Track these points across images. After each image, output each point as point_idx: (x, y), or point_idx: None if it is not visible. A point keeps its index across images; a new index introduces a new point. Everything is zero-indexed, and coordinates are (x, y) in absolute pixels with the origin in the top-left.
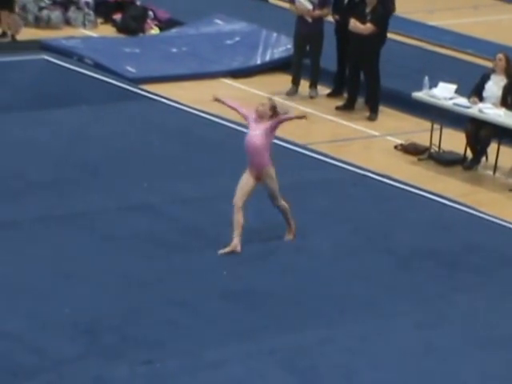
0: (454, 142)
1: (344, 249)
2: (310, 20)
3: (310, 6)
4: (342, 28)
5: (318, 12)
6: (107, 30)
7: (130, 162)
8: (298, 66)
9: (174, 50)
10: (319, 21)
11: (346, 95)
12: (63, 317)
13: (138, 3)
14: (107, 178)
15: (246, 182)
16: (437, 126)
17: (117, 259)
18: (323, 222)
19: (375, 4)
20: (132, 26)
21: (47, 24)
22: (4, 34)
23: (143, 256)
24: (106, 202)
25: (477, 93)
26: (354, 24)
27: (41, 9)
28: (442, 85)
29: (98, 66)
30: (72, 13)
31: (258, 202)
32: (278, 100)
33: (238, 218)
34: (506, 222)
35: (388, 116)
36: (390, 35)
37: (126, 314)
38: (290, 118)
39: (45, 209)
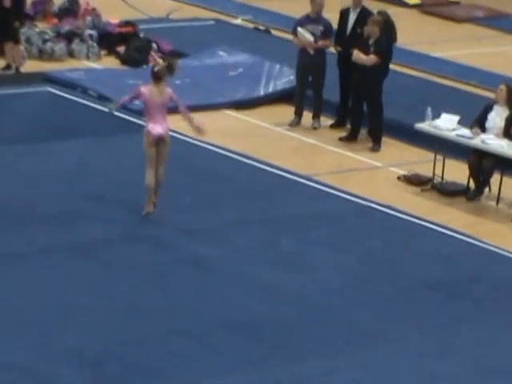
0: (457, 172)
1: (348, 279)
2: (311, 52)
3: (311, 38)
4: (344, 59)
5: (319, 43)
6: (111, 62)
7: (133, 193)
8: (301, 97)
9: (178, 81)
10: (321, 52)
11: (349, 126)
12: (68, 347)
13: (142, 35)
14: (111, 209)
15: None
16: (440, 157)
17: (120, 289)
18: (327, 252)
19: (378, 35)
20: (135, 58)
21: (51, 56)
22: (8, 67)
23: (147, 286)
24: (111, 232)
25: (479, 124)
26: (358, 55)
27: (45, 41)
28: (444, 116)
29: (102, 98)
30: (76, 45)
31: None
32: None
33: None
34: (509, 252)
35: (391, 147)
36: (393, 66)
37: (130, 343)
38: (190, 122)
39: (50, 240)
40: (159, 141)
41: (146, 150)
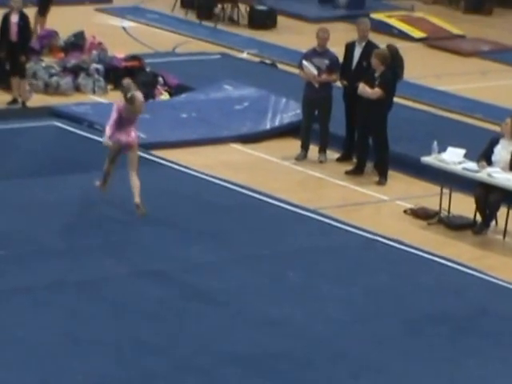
0: (464, 206)
1: (354, 312)
2: (316, 85)
3: (315, 72)
4: (350, 93)
5: (324, 77)
6: (117, 96)
7: (140, 228)
8: (307, 130)
9: (184, 115)
10: (327, 86)
11: (355, 160)
12: (74, 382)
13: (148, 69)
14: (118, 243)
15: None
16: (446, 191)
17: (129, 324)
18: (334, 285)
19: (383, 69)
20: (142, 92)
21: (56, 90)
22: (15, 101)
23: (155, 321)
24: (118, 267)
25: (485, 157)
26: (363, 88)
27: (51, 75)
28: (450, 149)
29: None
30: (82, 79)
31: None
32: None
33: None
34: None
35: (397, 180)
36: (398, 100)
37: (140, 379)
38: None
39: (57, 274)
40: (126, 147)
41: (109, 153)
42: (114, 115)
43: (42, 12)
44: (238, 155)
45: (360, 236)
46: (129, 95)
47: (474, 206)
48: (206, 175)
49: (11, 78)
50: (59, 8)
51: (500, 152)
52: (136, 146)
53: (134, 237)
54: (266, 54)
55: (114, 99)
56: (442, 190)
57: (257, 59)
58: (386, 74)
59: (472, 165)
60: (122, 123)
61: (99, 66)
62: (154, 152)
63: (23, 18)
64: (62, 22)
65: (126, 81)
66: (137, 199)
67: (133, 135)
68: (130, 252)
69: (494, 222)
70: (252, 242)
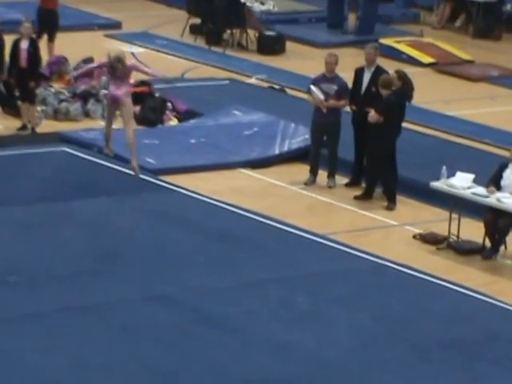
0: (473, 231)
1: (363, 338)
2: (324, 110)
3: (321, 97)
4: (359, 118)
5: (331, 102)
6: None
7: (149, 253)
8: (316, 155)
9: (193, 140)
10: (336, 111)
11: (363, 185)
12: None
13: (157, 95)
14: (127, 269)
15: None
16: (455, 216)
17: (138, 350)
18: (343, 311)
19: (387, 94)
20: (151, 118)
21: (66, 116)
22: (24, 127)
23: (164, 347)
24: (127, 292)
25: (494, 182)
26: (372, 113)
27: (60, 101)
28: (459, 174)
29: (118, 158)
30: (91, 105)
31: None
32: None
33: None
34: None
35: (406, 205)
36: (407, 125)
37: None
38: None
39: (66, 300)
40: (117, 102)
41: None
42: (93, 65)
43: (52, 38)
44: (247, 180)
45: (369, 261)
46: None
47: (483, 230)
48: (215, 200)
49: (21, 103)
50: (69, 34)
51: (509, 177)
52: (126, 101)
53: (142, 262)
54: (275, 79)
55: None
56: (450, 214)
57: (266, 84)
58: (389, 99)
59: (481, 190)
60: (112, 79)
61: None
62: (163, 177)
63: (33, 44)
64: (71, 47)
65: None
66: (133, 163)
67: (122, 90)
68: (140, 277)
69: (503, 247)
70: (261, 267)
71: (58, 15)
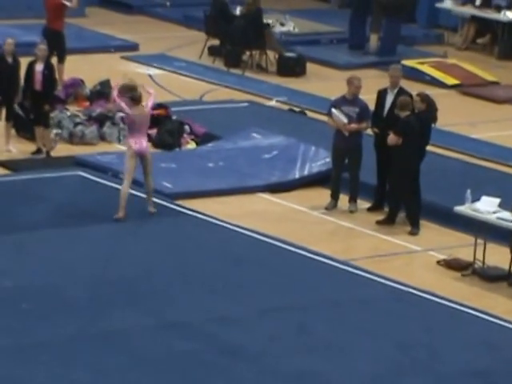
0: (499, 256)
1: (386, 367)
2: (346, 134)
3: (345, 120)
4: (381, 141)
5: (353, 126)
6: None
7: (166, 279)
8: (337, 180)
9: (211, 164)
10: (357, 134)
11: (386, 209)
12: None
13: (174, 117)
14: (143, 296)
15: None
16: (480, 241)
17: (154, 380)
18: (364, 339)
19: (406, 115)
20: (168, 141)
21: (81, 139)
22: (39, 151)
23: (180, 376)
24: (142, 320)
25: None
26: (391, 136)
27: (76, 125)
28: (484, 198)
29: (134, 182)
30: (107, 128)
31: None
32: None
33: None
34: None
35: (430, 230)
36: (431, 148)
37: None
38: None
39: (80, 327)
40: (138, 155)
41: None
42: (124, 106)
43: (61, 60)
44: (266, 205)
45: (391, 288)
46: (134, 94)
47: (509, 256)
48: (233, 225)
49: (35, 127)
50: (85, 56)
51: None
52: (148, 154)
53: (159, 288)
54: (295, 101)
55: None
56: (476, 240)
57: (285, 107)
58: (406, 120)
59: (507, 214)
60: (133, 129)
61: (124, 115)
62: (180, 202)
63: (48, 67)
64: (87, 70)
65: (129, 79)
66: (151, 209)
67: (144, 145)
68: (156, 303)
69: None
70: (280, 293)
71: (63, 37)
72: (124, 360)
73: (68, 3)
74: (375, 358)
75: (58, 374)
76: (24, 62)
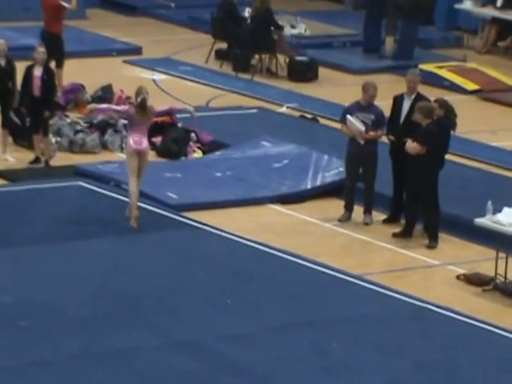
0: None
1: None
2: (362, 142)
3: (362, 128)
4: (397, 149)
5: (371, 134)
6: None
7: (171, 295)
8: (351, 190)
9: (219, 174)
10: (373, 142)
11: (403, 221)
12: None
13: (180, 125)
14: (147, 312)
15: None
16: (502, 255)
17: None
18: (379, 357)
19: (427, 123)
20: (173, 150)
21: (81, 148)
22: (37, 160)
23: None
24: (146, 338)
25: None
26: (409, 144)
27: (76, 132)
28: (506, 210)
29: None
30: (109, 136)
31: None
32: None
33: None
34: None
35: (449, 243)
36: (450, 157)
37: None
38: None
39: (80, 346)
40: (141, 154)
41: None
42: (118, 107)
43: (60, 64)
44: (277, 217)
45: (409, 304)
46: (139, 98)
47: None
48: (242, 239)
49: (33, 135)
50: (85, 60)
51: None
52: (147, 155)
53: (163, 304)
54: (307, 107)
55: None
56: (497, 253)
57: (297, 113)
58: (430, 128)
59: None
60: (133, 129)
61: (126, 122)
62: (186, 214)
63: (47, 72)
64: (88, 74)
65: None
66: (135, 212)
67: (143, 144)
68: (160, 321)
69: None
70: (291, 310)
71: (61, 41)
72: (128, 381)
73: (66, 4)
74: (390, 377)
75: None
76: (21, 66)
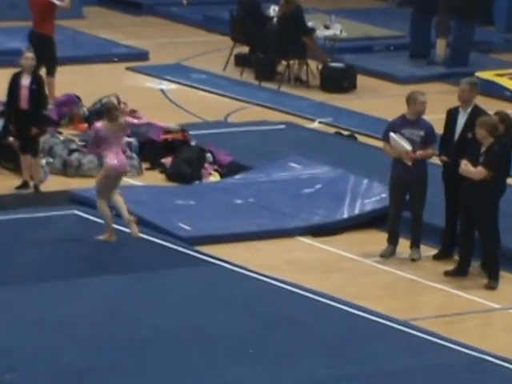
0: None
1: None
2: (409, 163)
3: (408, 147)
4: (451, 172)
5: (419, 153)
6: (154, 178)
7: (183, 343)
8: (396, 220)
9: (239, 201)
10: (422, 163)
11: (456, 257)
12: None
13: (193, 143)
14: (155, 362)
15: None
16: None
17: None
18: None
19: (491, 142)
20: (185, 172)
21: (77, 170)
22: (25, 185)
23: None
24: None
25: None
26: (466, 167)
27: (71, 152)
28: None
29: (144, 223)
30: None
31: None
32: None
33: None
34: None
35: (511, 283)
36: None
37: None
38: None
39: None
40: (121, 173)
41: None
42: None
43: (51, 72)
44: (308, 252)
45: (465, 355)
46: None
47: None
48: (267, 277)
49: (21, 155)
50: (82, 67)
51: None
52: (125, 172)
53: (173, 353)
54: (343, 123)
55: (150, 181)
56: None
57: (331, 130)
58: (494, 149)
59: None
60: (111, 146)
61: (132, 140)
62: (201, 248)
63: (36, 81)
64: (85, 84)
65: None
66: (127, 216)
67: (124, 161)
68: (170, 372)
69: None
70: (327, 362)
71: (53, 43)
72: None
73: (58, 2)
74: None
75: None
76: (6, 74)
